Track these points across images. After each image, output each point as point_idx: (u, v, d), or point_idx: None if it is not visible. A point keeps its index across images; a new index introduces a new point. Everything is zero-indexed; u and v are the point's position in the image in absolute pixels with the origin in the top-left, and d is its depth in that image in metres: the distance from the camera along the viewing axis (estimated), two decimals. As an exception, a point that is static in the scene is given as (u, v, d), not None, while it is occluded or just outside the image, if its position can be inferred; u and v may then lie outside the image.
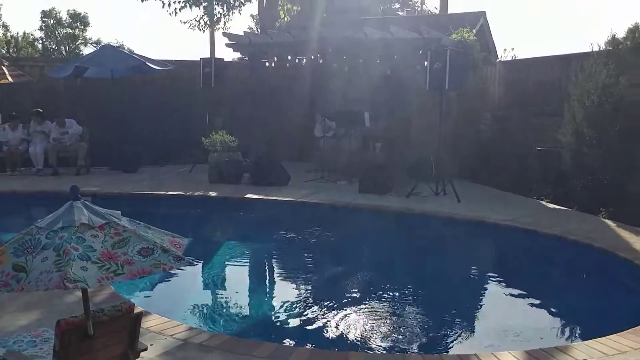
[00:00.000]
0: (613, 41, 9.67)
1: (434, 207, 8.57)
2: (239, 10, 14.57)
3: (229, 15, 14.79)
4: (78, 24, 39.25)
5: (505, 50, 19.61)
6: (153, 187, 10.17)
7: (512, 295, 5.98)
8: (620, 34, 9.98)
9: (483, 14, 12.98)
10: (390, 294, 5.86)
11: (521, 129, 11.88)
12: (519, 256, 7.30)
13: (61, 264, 2.45)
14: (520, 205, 8.98)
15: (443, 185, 9.55)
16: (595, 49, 9.26)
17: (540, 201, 9.31)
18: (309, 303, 5.53)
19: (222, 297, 5.93)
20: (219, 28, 15.65)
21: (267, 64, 13.19)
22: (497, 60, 14.38)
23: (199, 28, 15.68)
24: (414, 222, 8.20)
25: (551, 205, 8.98)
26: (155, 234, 2.88)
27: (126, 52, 13.86)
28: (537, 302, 5.74)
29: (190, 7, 13.80)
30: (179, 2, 13.73)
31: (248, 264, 7.52)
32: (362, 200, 9.08)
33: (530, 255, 7.20)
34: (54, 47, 39.55)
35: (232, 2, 14.00)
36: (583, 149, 8.77)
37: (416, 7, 25.34)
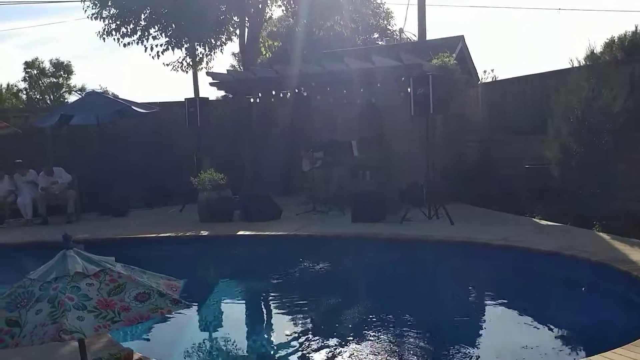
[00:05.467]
0: (592, 56, 9.84)
1: (428, 232, 8.54)
2: (221, 49, 14.73)
3: (211, 55, 14.96)
4: (62, 72, 39.40)
5: (485, 72, 19.86)
6: (144, 229, 10.09)
7: (513, 315, 5.94)
8: (597, 48, 10.19)
9: (462, 38, 13.21)
10: (394, 321, 5.80)
11: (507, 148, 12.00)
12: (516, 275, 7.27)
13: (56, 315, 2.40)
14: (512, 224, 8.98)
15: (435, 209, 9.56)
16: (575, 64, 9.39)
17: (532, 218, 9.32)
18: (309, 340, 5.44)
19: (221, 339, 5.83)
20: (202, 68, 15.78)
21: (251, 100, 13.28)
22: (479, 82, 14.56)
23: (181, 69, 15.83)
24: (411, 248, 8.16)
25: (543, 222, 8.99)
26: (151, 277, 2.85)
27: (111, 97, 13.93)
28: (539, 320, 5.70)
29: (173, 50, 13.95)
30: (160, 45, 13.87)
31: (245, 303, 7.41)
32: (357, 230, 9.05)
33: (527, 274, 7.17)
34: (38, 96, 39.59)
35: (214, 42, 14.15)
36: (571, 164, 8.83)
37: (395, 36, 25.69)
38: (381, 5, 21.35)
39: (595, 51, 10.23)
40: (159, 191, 12.98)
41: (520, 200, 10.29)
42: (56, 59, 39.25)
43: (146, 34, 13.84)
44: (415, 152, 10.94)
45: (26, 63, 38.85)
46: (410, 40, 22.23)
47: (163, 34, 13.93)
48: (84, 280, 2.58)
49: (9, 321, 2.45)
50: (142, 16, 13.78)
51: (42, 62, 39.20)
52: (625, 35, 23.18)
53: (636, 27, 21.32)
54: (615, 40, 24.93)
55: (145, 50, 13.92)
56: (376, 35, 25.99)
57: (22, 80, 39.41)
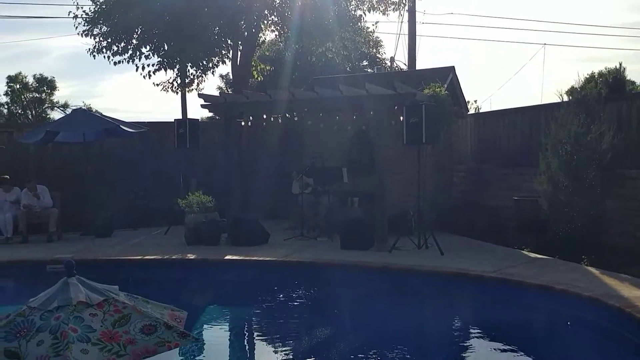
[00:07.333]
0: (580, 91, 9.98)
1: (418, 262, 8.48)
2: (212, 71, 14.71)
3: (202, 77, 14.91)
4: (45, 88, 39.07)
5: (468, 102, 20.12)
6: (129, 251, 9.90)
7: (509, 350, 5.88)
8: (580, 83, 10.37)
9: (452, 68, 13.27)
10: (383, 353, 5.70)
11: (495, 179, 12.07)
12: (509, 309, 7.21)
13: (59, 347, 2.29)
14: (501, 255, 8.95)
15: (425, 239, 9.51)
16: (565, 99, 9.52)
17: (521, 251, 9.32)
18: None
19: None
20: (192, 89, 15.74)
21: (242, 123, 13.23)
22: (468, 113, 14.69)
23: (172, 90, 15.75)
24: (400, 278, 8.09)
25: (532, 255, 8.99)
26: (155, 308, 2.74)
27: (98, 115, 13.76)
28: (533, 355, 5.65)
29: (165, 70, 13.85)
30: (152, 65, 13.79)
31: (234, 329, 7.26)
32: (345, 257, 8.95)
33: (519, 307, 7.13)
34: (20, 111, 39.16)
35: (206, 64, 14.10)
36: (560, 197, 8.88)
37: (384, 64, 25.92)
38: (371, 34, 21.55)
39: (581, 87, 10.42)
40: (144, 212, 12.78)
41: (507, 232, 10.31)
42: (40, 74, 38.95)
43: (138, 53, 13.74)
44: (405, 180, 10.93)
45: (9, 77, 38.49)
46: (400, 69, 22.44)
47: (155, 54, 13.84)
48: (87, 310, 2.47)
49: (8, 352, 2.33)
50: (135, 35, 13.70)
51: (25, 77, 38.87)
52: (608, 71, 23.68)
53: (620, 64, 21.84)
54: (595, 76, 25.44)
55: (137, 70, 13.82)
56: (365, 63, 26.22)
57: (3, 95, 39.00)
